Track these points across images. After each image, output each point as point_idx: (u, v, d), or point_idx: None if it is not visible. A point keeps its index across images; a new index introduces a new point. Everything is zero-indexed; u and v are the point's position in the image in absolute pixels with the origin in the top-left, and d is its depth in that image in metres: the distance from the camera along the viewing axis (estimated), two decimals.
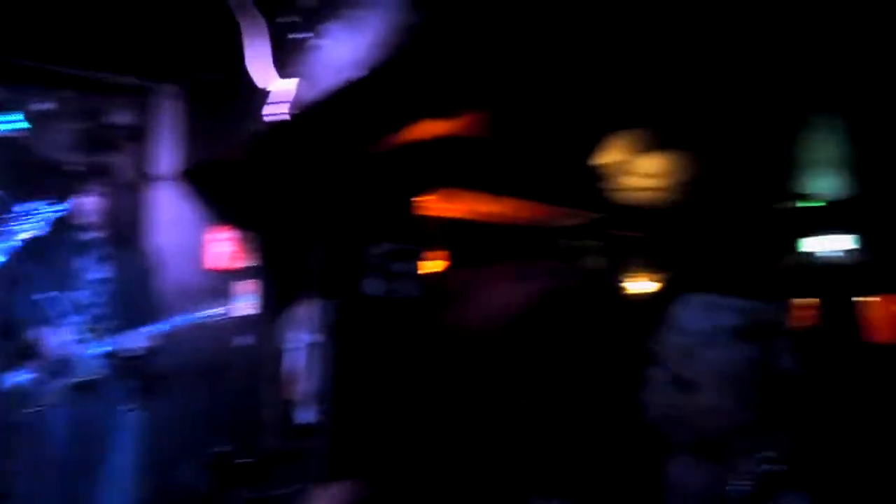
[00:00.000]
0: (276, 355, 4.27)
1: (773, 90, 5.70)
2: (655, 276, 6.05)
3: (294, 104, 3.23)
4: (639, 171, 5.83)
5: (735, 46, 4.93)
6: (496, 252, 5.13)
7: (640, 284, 6.19)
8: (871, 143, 6.02)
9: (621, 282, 5.96)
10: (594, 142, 5.22)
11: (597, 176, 5.78)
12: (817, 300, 5.97)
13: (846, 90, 5.88)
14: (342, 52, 2.94)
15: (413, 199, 4.81)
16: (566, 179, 5.33)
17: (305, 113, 3.24)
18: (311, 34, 3.19)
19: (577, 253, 6.15)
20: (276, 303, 4.41)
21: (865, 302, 6.04)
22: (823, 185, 6.27)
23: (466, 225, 5.02)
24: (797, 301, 6.01)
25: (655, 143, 5.72)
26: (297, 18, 3.28)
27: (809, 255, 6.20)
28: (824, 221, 6.19)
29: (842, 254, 6.15)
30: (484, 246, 5.14)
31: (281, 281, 4.46)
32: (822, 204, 6.21)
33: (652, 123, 5.54)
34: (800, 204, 6.30)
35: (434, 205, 4.88)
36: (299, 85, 3.26)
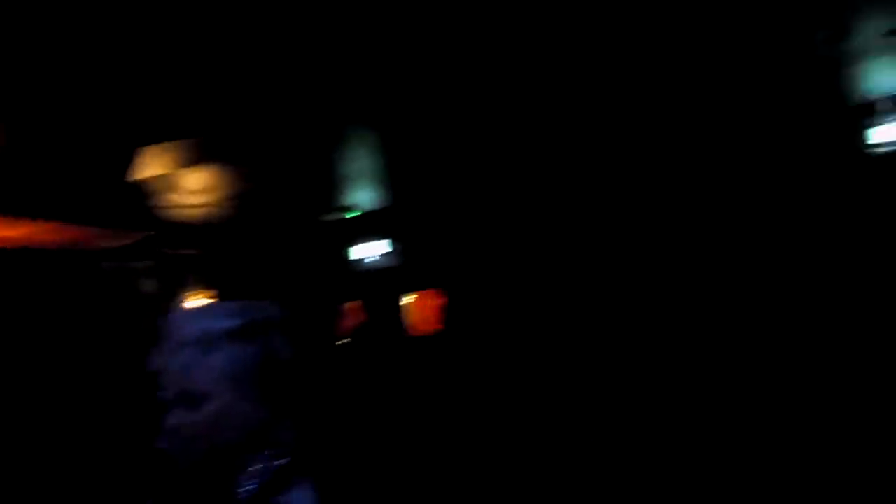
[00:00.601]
0: None
1: (312, 107, 6.05)
2: (209, 293, 5.97)
3: None
4: (184, 186, 5.70)
5: (267, 61, 5.12)
6: (20, 282, 4.54)
7: (194, 301, 6.05)
8: (400, 158, 6.76)
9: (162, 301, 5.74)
10: (131, 156, 4.96)
11: (140, 192, 5.49)
12: (363, 300, 6.49)
13: (378, 109, 6.52)
14: None
15: None
16: (104, 197, 4.96)
17: None
18: None
19: (127, 275, 5.78)
20: None
21: (404, 299, 6.75)
22: (362, 197, 6.87)
23: None
24: (347, 302, 6.46)
25: (198, 157, 5.64)
26: None
27: (355, 260, 6.72)
28: (364, 229, 6.75)
29: (381, 258, 6.78)
30: (8, 275, 4.51)
31: None
32: (361, 213, 6.78)
33: (193, 136, 5.45)
34: (344, 215, 6.80)
35: None
36: None
